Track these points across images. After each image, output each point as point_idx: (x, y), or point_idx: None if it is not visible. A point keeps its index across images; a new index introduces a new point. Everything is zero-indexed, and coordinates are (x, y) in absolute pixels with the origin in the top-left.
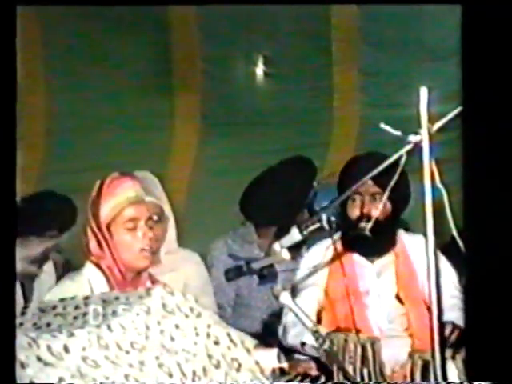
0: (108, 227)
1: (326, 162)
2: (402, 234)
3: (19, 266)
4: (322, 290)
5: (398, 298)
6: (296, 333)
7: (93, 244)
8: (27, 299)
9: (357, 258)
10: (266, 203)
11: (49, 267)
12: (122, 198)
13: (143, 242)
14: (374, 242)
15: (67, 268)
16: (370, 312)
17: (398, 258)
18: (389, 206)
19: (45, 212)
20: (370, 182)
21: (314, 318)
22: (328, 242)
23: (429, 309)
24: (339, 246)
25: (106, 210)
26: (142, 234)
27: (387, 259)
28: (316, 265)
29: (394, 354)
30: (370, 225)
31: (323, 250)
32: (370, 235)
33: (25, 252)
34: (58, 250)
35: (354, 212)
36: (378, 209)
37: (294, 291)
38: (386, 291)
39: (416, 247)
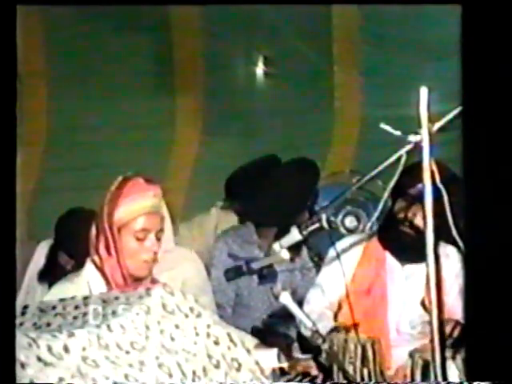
0: (119, 230)
1: (327, 162)
2: (439, 244)
3: (47, 269)
4: (348, 280)
5: (423, 304)
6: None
7: (101, 242)
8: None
9: (389, 257)
10: (267, 204)
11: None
12: (139, 206)
13: (148, 253)
14: (409, 247)
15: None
16: (391, 313)
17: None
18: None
19: (86, 238)
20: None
21: (335, 307)
22: (361, 235)
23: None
24: (375, 242)
25: (120, 213)
26: (149, 246)
27: (418, 265)
28: (344, 253)
29: (404, 355)
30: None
31: (356, 242)
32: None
33: (55, 261)
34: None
35: (400, 212)
36: (419, 216)
37: (316, 278)
38: (412, 296)
39: (447, 256)
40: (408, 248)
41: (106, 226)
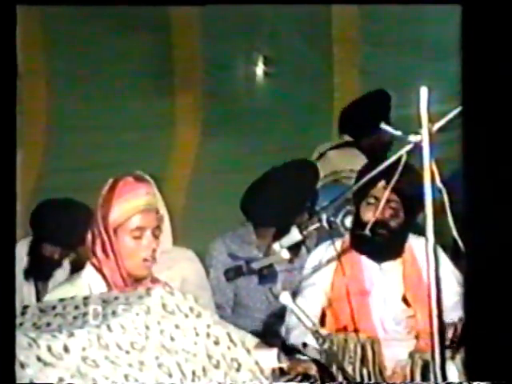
0: (115, 231)
1: None
2: (410, 237)
3: (32, 266)
4: (327, 287)
5: (404, 299)
6: (298, 333)
7: (98, 245)
8: (38, 299)
9: (364, 259)
10: (267, 204)
11: (65, 270)
12: (132, 205)
13: (147, 251)
14: (384, 248)
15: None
16: (375, 313)
17: (405, 259)
18: (402, 214)
19: (66, 224)
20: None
21: (319, 316)
22: (336, 241)
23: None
24: (348, 247)
25: (115, 214)
26: (146, 243)
27: (395, 261)
28: (321, 263)
29: (396, 354)
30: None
31: (331, 248)
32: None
33: (40, 255)
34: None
35: (367, 215)
36: (391, 216)
37: (298, 289)
38: (392, 292)
39: (423, 250)
40: (383, 248)
41: (102, 228)
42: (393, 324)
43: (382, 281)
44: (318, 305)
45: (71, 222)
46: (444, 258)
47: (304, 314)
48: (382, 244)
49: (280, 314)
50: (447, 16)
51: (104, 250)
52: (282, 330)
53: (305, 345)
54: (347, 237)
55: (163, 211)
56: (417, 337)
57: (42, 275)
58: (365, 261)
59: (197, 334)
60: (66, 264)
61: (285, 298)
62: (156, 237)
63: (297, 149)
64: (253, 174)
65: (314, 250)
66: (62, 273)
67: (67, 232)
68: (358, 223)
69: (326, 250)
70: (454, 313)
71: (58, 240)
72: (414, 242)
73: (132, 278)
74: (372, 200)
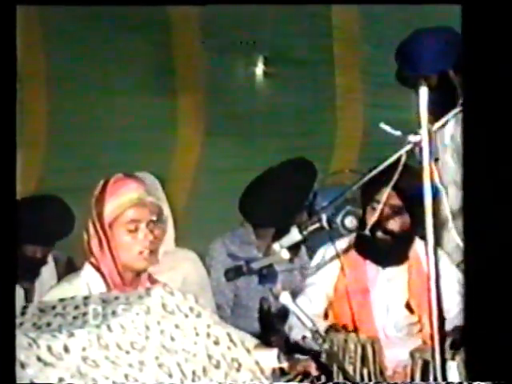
0: (110, 226)
1: (331, 163)
2: (416, 242)
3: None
4: (330, 287)
5: (407, 306)
6: (299, 329)
7: (94, 243)
8: (28, 300)
9: (369, 263)
10: (265, 204)
11: (50, 266)
12: (124, 199)
13: (143, 244)
14: (388, 252)
15: (70, 266)
16: (377, 317)
17: (411, 265)
18: (407, 218)
19: (43, 220)
20: (393, 193)
21: (322, 315)
22: (341, 243)
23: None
24: (353, 250)
25: (109, 210)
26: (142, 237)
27: (399, 267)
28: (324, 263)
29: (397, 354)
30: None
31: (333, 249)
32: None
33: (21, 256)
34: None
35: (372, 220)
36: (396, 221)
37: (301, 289)
38: (396, 298)
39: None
40: (386, 253)
41: (98, 225)
42: (394, 330)
43: (386, 286)
44: (320, 304)
45: (45, 217)
46: (448, 264)
47: (304, 313)
48: (385, 249)
49: (279, 315)
50: (447, 16)
51: (101, 247)
52: (286, 329)
53: (304, 337)
54: (351, 238)
55: (167, 212)
56: (424, 342)
57: (28, 276)
58: (369, 265)
59: (197, 334)
60: (50, 260)
61: (285, 298)
62: (151, 230)
63: (299, 149)
64: (255, 174)
65: (318, 249)
66: (47, 270)
67: (44, 228)
68: (363, 228)
69: (329, 250)
70: (456, 321)
71: (37, 238)
72: (420, 247)
73: (130, 274)
74: (376, 204)
